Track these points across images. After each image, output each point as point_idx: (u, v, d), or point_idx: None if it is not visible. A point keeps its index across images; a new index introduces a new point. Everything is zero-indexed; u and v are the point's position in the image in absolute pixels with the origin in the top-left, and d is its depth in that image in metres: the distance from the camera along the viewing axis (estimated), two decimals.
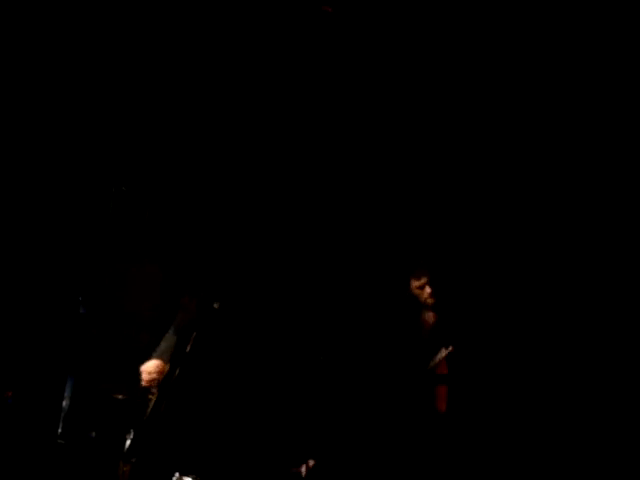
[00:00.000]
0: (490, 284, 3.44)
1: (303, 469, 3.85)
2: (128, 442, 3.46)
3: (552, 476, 3.44)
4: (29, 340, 4.11)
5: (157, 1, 4.02)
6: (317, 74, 4.20)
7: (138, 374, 3.60)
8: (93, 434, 3.84)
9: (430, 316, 3.96)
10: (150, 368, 3.62)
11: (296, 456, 3.92)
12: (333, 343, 4.27)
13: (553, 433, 3.58)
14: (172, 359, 3.54)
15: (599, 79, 3.72)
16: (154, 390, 3.58)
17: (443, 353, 3.62)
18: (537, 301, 3.63)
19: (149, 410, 3.52)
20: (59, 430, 3.87)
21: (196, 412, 3.64)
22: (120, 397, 3.79)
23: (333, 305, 4.38)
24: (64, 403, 3.99)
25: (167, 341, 3.69)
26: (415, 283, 3.99)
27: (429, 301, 3.96)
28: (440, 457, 3.46)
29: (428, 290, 3.93)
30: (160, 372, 3.59)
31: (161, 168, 4.15)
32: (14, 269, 4.16)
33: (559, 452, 3.48)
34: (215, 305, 3.45)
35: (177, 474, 3.38)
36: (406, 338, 4.08)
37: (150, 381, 3.60)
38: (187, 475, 3.39)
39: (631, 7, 3.50)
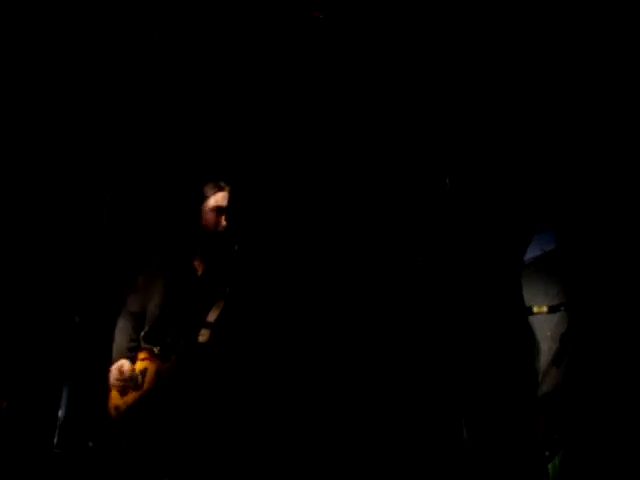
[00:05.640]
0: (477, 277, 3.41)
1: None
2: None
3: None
4: (24, 349, 4.07)
5: (145, 8, 4.00)
6: (308, 80, 4.20)
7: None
8: (90, 444, 3.80)
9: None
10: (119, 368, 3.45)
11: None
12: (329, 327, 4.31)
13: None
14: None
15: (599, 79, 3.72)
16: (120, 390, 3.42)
17: None
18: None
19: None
20: (55, 440, 3.84)
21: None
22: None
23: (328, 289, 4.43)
24: (60, 412, 3.96)
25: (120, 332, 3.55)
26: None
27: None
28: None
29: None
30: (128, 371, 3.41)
31: (155, 174, 4.13)
32: (8, 277, 4.13)
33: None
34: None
35: None
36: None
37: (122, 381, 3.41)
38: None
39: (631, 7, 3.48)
